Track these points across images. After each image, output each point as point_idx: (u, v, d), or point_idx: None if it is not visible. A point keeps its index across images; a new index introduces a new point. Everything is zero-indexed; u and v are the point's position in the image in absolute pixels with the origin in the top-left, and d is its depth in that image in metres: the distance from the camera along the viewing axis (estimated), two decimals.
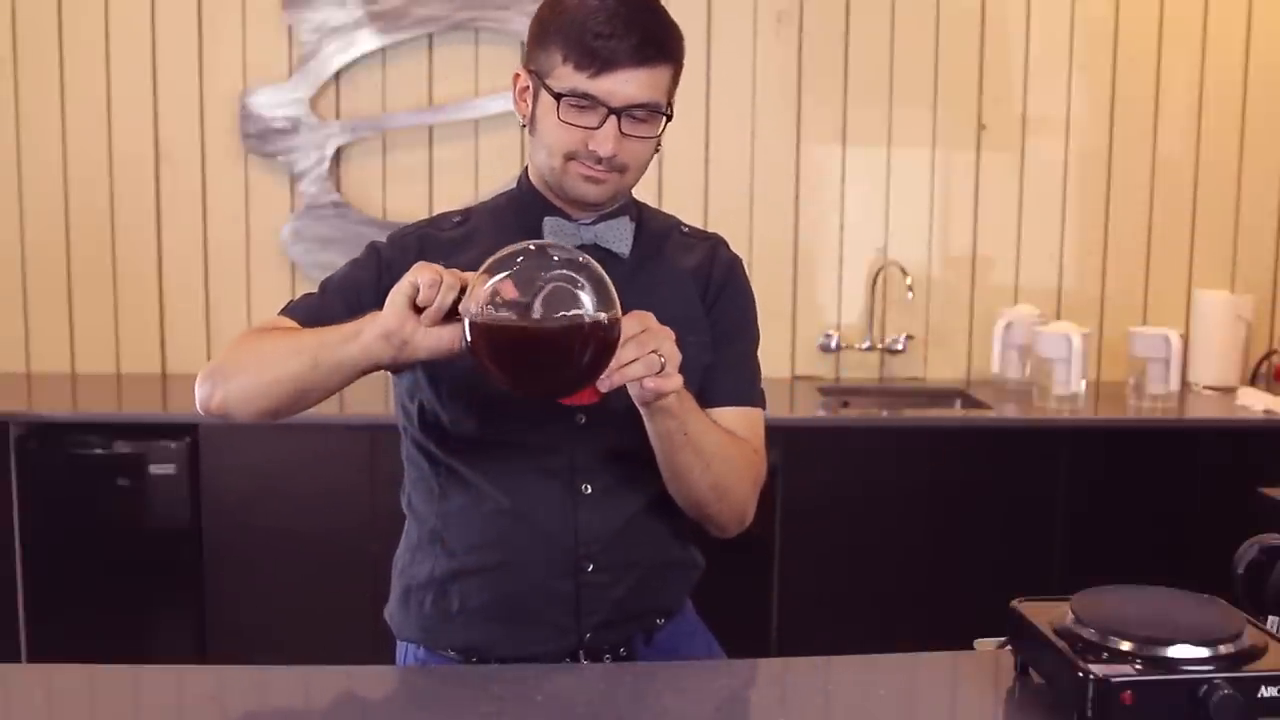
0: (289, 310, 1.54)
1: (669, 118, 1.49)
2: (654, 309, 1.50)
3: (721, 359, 1.57)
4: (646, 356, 1.31)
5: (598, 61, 1.41)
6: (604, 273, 1.28)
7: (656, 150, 1.53)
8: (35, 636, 3.07)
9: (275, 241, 3.58)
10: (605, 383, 1.29)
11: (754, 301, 1.65)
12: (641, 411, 1.41)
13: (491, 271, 1.25)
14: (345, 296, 1.51)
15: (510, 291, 1.24)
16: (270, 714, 1.37)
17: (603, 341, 1.26)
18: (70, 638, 3.06)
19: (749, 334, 1.64)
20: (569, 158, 1.47)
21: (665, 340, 1.34)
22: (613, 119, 1.43)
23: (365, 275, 1.54)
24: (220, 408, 1.46)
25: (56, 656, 1.54)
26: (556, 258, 1.26)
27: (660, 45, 1.45)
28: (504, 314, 1.23)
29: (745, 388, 1.59)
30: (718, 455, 1.48)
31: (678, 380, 1.35)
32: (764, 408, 1.62)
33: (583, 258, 1.28)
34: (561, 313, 1.23)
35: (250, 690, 1.40)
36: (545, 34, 1.46)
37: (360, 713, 1.36)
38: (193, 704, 1.38)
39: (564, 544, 1.51)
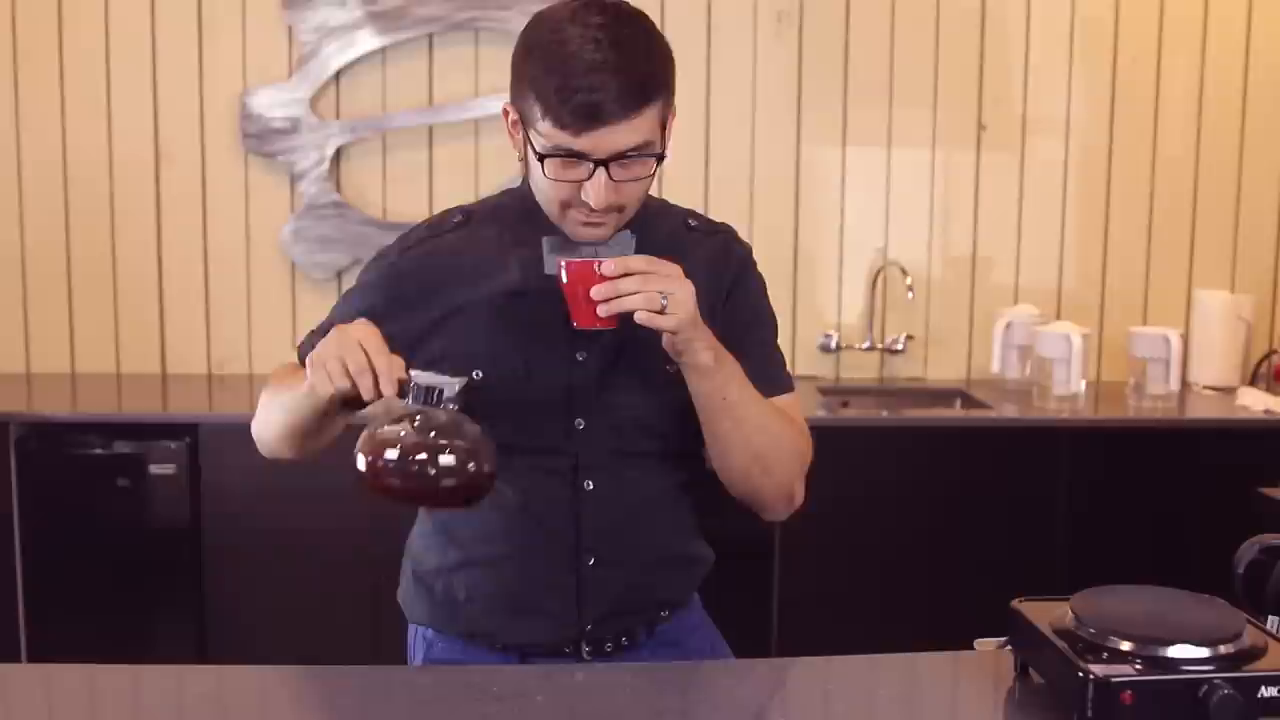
0: (301, 350, 1.60)
1: (661, 158, 1.45)
2: None
3: (744, 351, 1.55)
4: (649, 293, 1.35)
5: (578, 120, 1.35)
6: (472, 428, 1.33)
7: (663, 159, 1.49)
8: (35, 636, 3.07)
9: (275, 241, 3.58)
10: (604, 308, 1.36)
11: (766, 290, 1.65)
12: (682, 371, 1.44)
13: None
14: None
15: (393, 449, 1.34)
16: (270, 714, 1.37)
17: (471, 484, 1.33)
18: (70, 638, 3.06)
19: (767, 322, 1.63)
20: (565, 205, 1.45)
21: (673, 282, 1.37)
22: (601, 170, 1.39)
23: (371, 308, 1.53)
24: (272, 458, 1.60)
25: (56, 656, 1.55)
26: (428, 419, 1.32)
27: (644, 87, 1.38)
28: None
29: (773, 374, 1.59)
30: (760, 426, 1.49)
31: (672, 320, 1.37)
32: (793, 390, 1.62)
33: (447, 416, 1.33)
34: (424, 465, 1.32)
35: (250, 690, 1.40)
36: (524, 80, 1.40)
37: (360, 713, 1.36)
38: (193, 704, 1.38)
39: (566, 538, 1.52)
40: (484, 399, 1.50)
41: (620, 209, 1.46)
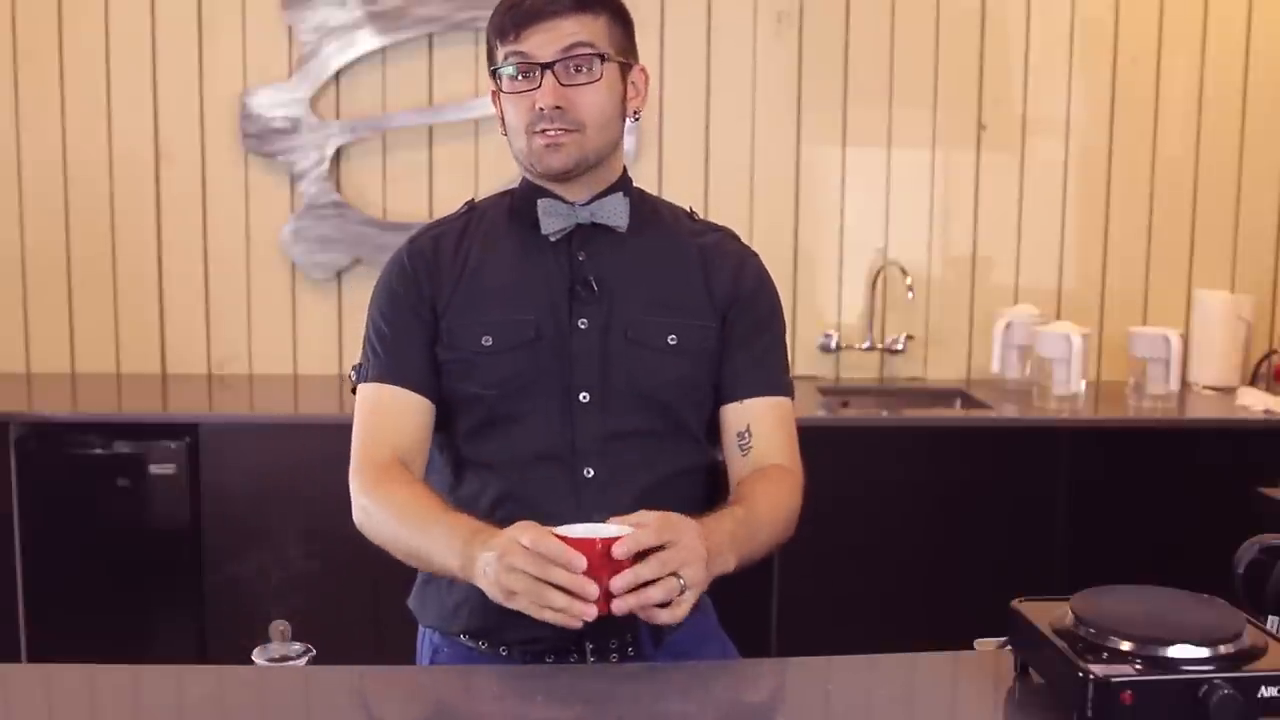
0: (363, 376, 1.61)
1: (605, 59, 1.52)
2: (653, 282, 1.58)
3: (750, 352, 1.59)
4: (667, 581, 1.29)
5: (516, 23, 1.49)
6: None
7: (636, 118, 1.59)
8: (35, 636, 3.07)
9: (275, 241, 3.58)
10: (619, 604, 1.27)
11: (776, 289, 1.68)
12: None
13: None
14: (407, 349, 1.58)
15: None
16: (270, 714, 1.37)
17: None
18: (70, 638, 3.06)
19: (775, 325, 1.66)
20: (529, 131, 1.52)
21: (691, 561, 1.30)
22: (549, 74, 1.49)
23: (409, 304, 1.59)
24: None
25: (56, 656, 1.54)
26: None
27: None
28: None
29: (775, 378, 1.63)
30: (765, 541, 1.50)
31: (684, 609, 1.31)
32: (792, 396, 1.65)
33: None
34: None
35: (249, 690, 1.40)
36: (487, 39, 1.56)
37: (360, 713, 1.36)
38: (193, 704, 1.38)
39: None
40: (492, 367, 1.53)
41: (580, 128, 1.51)
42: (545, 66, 1.48)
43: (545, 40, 1.48)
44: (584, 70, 1.50)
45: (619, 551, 1.27)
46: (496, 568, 1.29)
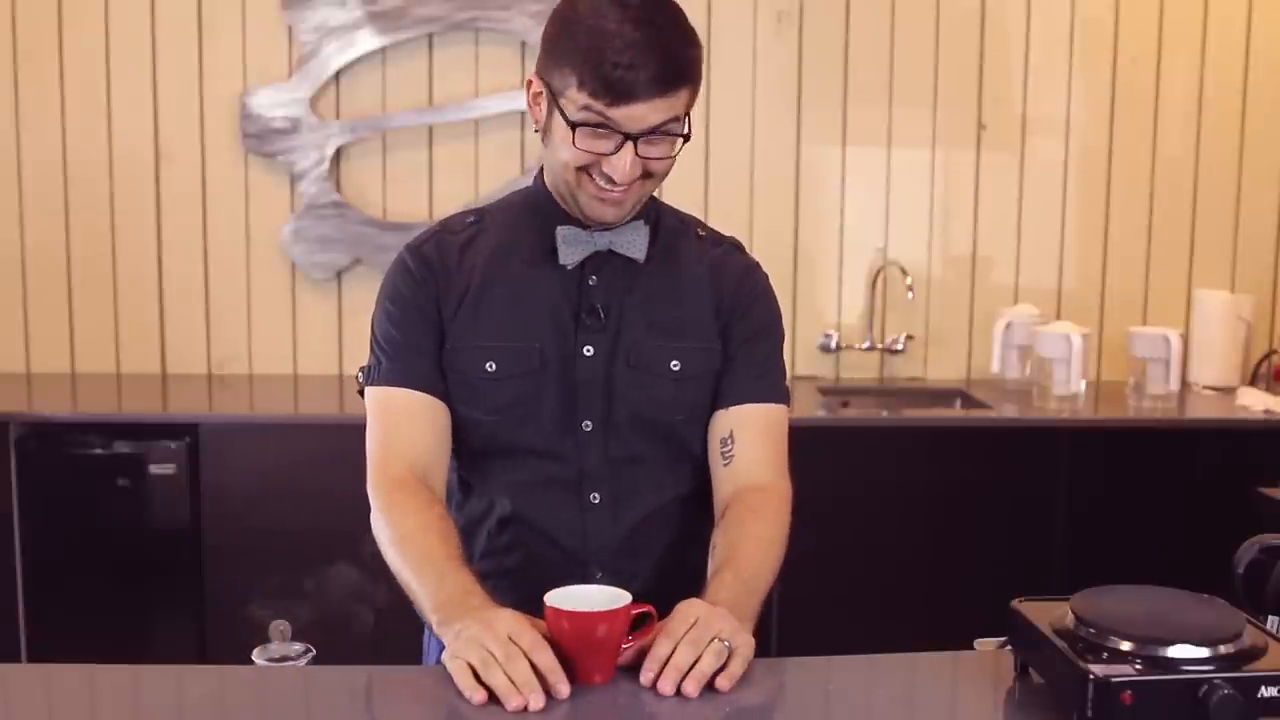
0: (371, 378, 1.56)
1: (686, 138, 1.46)
2: (668, 310, 1.55)
3: (749, 358, 1.58)
4: (713, 646, 1.30)
5: (614, 92, 1.38)
6: None
7: (688, 139, 1.50)
8: (35, 636, 3.07)
9: (275, 241, 3.58)
10: (669, 686, 1.28)
11: (776, 301, 1.66)
12: None
13: None
14: (416, 352, 1.53)
15: None
16: (270, 714, 1.37)
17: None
18: (70, 638, 3.06)
19: (772, 334, 1.64)
20: (582, 170, 1.45)
21: (726, 623, 1.32)
22: (629, 144, 1.41)
23: (416, 305, 1.55)
24: None
25: (56, 656, 1.55)
26: None
27: (679, 71, 1.41)
28: None
29: (765, 385, 1.60)
30: (764, 589, 1.50)
31: (742, 668, 1.32)
32: (788, 405, 1.63)
33: None
34: None
35: (250, 690, 1.40)
36: (559, 52, 1.42)
37: (360, 713, 1.36)
38: (193, 704, 1.38)
39: (573, 552, 1.53)
40: (496, 394, 1.51)
41: (643, 180, 1.46)
42: (629, 137, 1.41)
43: (637, 118, 1.39)
44: (662, 145, 1.44)
45: (654, 664, 1.30)
46: (475, 632, 1.29)
